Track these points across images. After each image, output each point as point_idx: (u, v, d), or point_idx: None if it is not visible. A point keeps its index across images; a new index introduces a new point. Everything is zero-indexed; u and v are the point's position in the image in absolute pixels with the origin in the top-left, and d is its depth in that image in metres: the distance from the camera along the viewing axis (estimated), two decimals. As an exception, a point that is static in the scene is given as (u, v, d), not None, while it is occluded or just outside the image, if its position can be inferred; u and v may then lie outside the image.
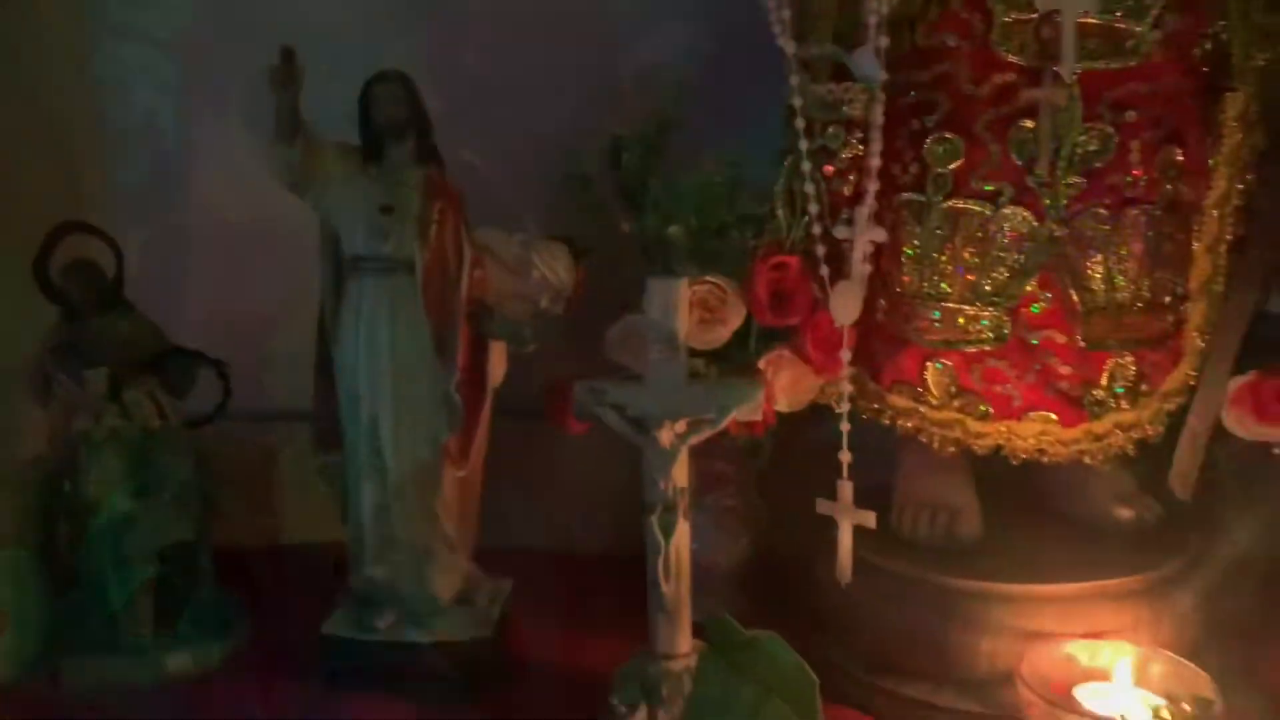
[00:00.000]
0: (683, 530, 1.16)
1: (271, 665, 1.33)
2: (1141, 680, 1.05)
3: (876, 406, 1.28)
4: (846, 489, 1.19)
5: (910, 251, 1.19)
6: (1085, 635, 1.10)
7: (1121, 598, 1.14)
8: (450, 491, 1.30)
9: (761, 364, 1.26)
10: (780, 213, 1.24)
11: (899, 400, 1.26)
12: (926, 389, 1.23)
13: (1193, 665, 1.04)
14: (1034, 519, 1.29)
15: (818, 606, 1.29)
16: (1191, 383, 1.24)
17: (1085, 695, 1.04)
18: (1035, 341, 1.18)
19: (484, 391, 1.31)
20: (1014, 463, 1.23)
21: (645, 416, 1.14)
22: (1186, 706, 0.97)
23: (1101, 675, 1.07)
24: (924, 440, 1.25)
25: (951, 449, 1.24)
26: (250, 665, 1.34)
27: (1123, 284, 1.17)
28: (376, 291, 1.26)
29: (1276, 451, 1.31)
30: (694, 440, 1.14)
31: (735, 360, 1.29)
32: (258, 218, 1.60)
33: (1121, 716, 0.98)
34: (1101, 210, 1.14)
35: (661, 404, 1.13)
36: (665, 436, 1.13)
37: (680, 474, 1.15)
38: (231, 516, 1.46)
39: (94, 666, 1.30)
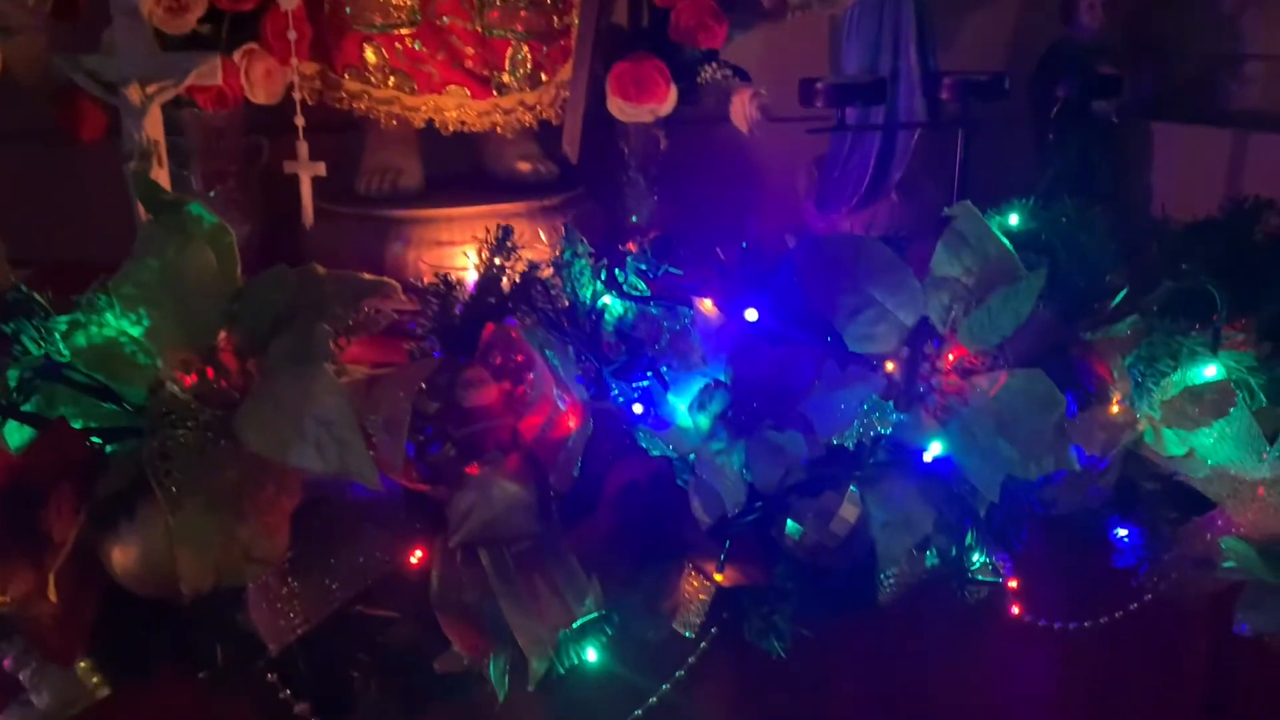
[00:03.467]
0: (160, 174, 1.41)
1: None
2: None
3: (338, 94, 1.56)
4: (303, 148, 1.48)
5: (342, -52, 1.49)
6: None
7: (508, 216, 1.53)
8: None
9: (235, 56, 1.52)
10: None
11: (352, 85, 1.55)
12: (369, 70, 1.54)
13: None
14: (463, 173, 1.66)
15: (300, 254, 1.59)
16: (580, 74, 1.64)
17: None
18: (443, 24, 1.51)
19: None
20: (445, 133, 1.58)
21: (116, 80, 1.37)
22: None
23: (487, 266, 1.45)
24: (374, 118, 1.57)
25: (394, 123, 1.56)
26: None
27: (511, -18, 1.53)
28: None
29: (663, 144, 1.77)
30: (160, 99, 1.39)
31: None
32: None
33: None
34: (484, -84, 1.49)
35: (129, 68, 1.37)
36: (134, 95, 1.37)
37: (153, 128, 1.40)
38: None
39: None
